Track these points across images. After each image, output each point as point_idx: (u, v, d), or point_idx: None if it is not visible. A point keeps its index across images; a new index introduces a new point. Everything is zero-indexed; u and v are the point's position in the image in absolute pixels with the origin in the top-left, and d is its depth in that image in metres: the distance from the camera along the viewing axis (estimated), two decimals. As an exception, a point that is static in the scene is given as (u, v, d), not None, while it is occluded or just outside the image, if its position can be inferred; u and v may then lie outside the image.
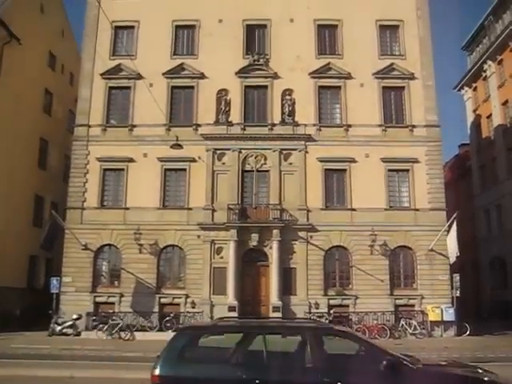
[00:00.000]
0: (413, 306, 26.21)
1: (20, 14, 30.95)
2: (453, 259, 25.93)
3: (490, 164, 39.92)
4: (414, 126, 28.11)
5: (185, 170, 27.64)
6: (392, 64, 28.67)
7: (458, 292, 25.30)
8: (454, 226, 25.72)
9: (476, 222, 41.36)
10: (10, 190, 28.53)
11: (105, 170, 28.02)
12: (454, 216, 25.79)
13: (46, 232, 26.15)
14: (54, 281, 25.30)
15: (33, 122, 31.56)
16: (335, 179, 27.71)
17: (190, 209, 27.16)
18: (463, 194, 44.09)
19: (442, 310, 25.14)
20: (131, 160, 27.74)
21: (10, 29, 29.32)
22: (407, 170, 27.73)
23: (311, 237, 26.71)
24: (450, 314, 25.10)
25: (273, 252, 26.16)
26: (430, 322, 25.32)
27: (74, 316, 24.82)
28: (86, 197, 27.62)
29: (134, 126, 28.24)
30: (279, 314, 24.95)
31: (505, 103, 37.96)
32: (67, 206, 27.56)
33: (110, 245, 27.17)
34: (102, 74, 28.90)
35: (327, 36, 29.43)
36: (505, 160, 37.45)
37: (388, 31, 29.51)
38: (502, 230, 36.73)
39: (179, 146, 23.52)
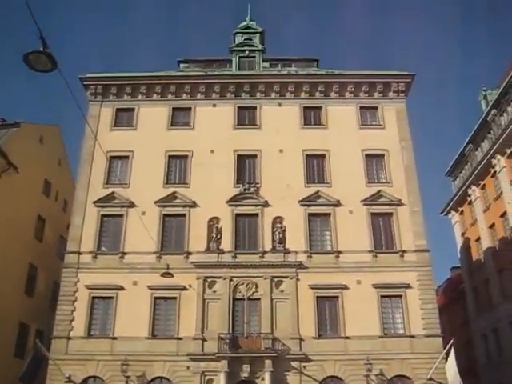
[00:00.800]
0: None
1: (20, 144, 32.05)
2: (454, 389, 24.91)
3: (482, 287, 39.79)
4: (404, 252, 28.22)
5: (175, 298, 27.15)
6: (379, 191, 29.46)
7: (464, 424, 23.97)
8: (452, 354, 25.07)
9: (474, 348, 40.32)
10: (-7, 318, 27.74)
11: (94, 297, 27.45)
12: (451, 343, 25.24)
13: (27, 363, 25.05)
14: (32, 418, 23.76)
15: (23, 247, 31.49)
16: (327, 306, 27.25)
17: (180, 338, 26.34)
18: (458, 317, 43.52)
19: None
20: (121, 288, 27.33)
21: (9, 158, 30.17)
22: (400, 296, 27.38)
23: (304, 367, 25.71)
24: None
25: (265, 384, 25.08)
26: None
27: None
28: (73, 325, 26.77)
29: (125, 254, 28.19)
30: None
31: (492, 226, 38.69)
32: (53, 335, 26.61)
33: (95, 377, 25.84)
34: (95, 202, 29.35)
35: (316, 165, 30.51)
36: (497, 283, 37.41)
37: (374, 160, 30.68)
38: (502, 356, 35.73)
39: (170, 275, 23.36)
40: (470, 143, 42.38)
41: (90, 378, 25.90)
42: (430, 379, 25.29)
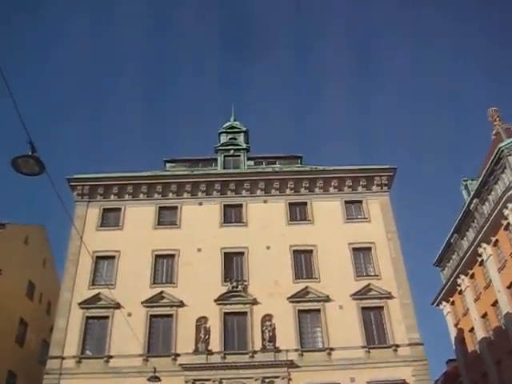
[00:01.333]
0: None
1: (4, 245, 31.81)
2: None
3: (481, 379, 38.53)
4: (397, 346, 27.48)
5: (162, 404, 25.90)
6: (368, 285, 29.17)
7: None
8: None
9: None
10: None
11: (76, 408, 26.10)
12: None
13: None
14: None
15: (3, 353, 30.30)
16: (322, 408, 26.12)
17: None
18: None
19: None
20: (105, 395, 26.08)
21: (-8, 261, 29.82)
22: (397, 392, 26.43)
23: None
24: None
25: None
26: None
27: None
28: None
29: (111, 357, 27.07)
30: None
31: (484, 316, 38.18)
32: None
33: None
34: (80, 304, 28.59)
35: (303, 260, 30.36)
36: (496, 375, 36.28)
37: (361, 253, 30.65)
38: None
39: (157, 379, 22.30)
40: (455, 233, 42.75)
41: None
42: None
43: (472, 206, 39.33)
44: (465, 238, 41.54)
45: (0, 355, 29.88)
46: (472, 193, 39.65)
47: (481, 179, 37.78)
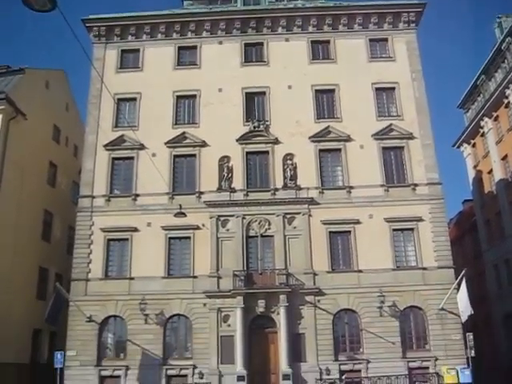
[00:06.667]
0: (427, 368, 25.24)
1: (26, 90, 31.77)
2: (465, 318, 25.29)
3: (494, 219, 39.75)
4: (415, 185, 28.14)
5: (189, 237, 27.51)
6: (390, 125, 29.09)
7: (473, 352, 24.30)
8: (464, 284, 25.29)
9: (487, 278, 40.69)
10: (13, 263, 28.26)
11: (109, 240, 27.88)
12: (463, 273, 25.40)
13: (50, 305, 25.59)
14: (58, 355, 24.13)
15: (37, 194, 31.73)
16: (340, 241, 27.51)
17: (196, 277, 26.84)
18: (470, 250, 43.82)
19: (457, 372, 23.94)
20: (135, 229, 27.69)
21: (17, 105, 29.99)
22: (412, 229, 27.52)
23: (319, 301, 26.21)
24: (466, 376, 23.46)
25: (280, 318, 25.62)
26: (446, 384, 24.21)
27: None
28: (91, 268, 27.31)
29: (138, 196, 28.37)
30: (290, 383, 24.20)
31: (504, 158, 38.26)
32: (72, 277, 27.22)
33: (115, 316, 26.60)
34: (105, 146, 29.33)
35: (325, 100, 30.08)
36: (509, 214, 37.30)
37: (384, 93, 30.15)
38: (513, 286, 36.08)
39: (183, 215, 23.53)
40: (483, 74, 41.29)
41: (110, 317, 26.66)
42: (442, 309, 25.75)
43: (504, 44, 37.43)
44: (492, 80, 40.21)
45: (35, 195, 31.31)
46: (505, 30, 37.52)
47: (517, 15, 35.61)
